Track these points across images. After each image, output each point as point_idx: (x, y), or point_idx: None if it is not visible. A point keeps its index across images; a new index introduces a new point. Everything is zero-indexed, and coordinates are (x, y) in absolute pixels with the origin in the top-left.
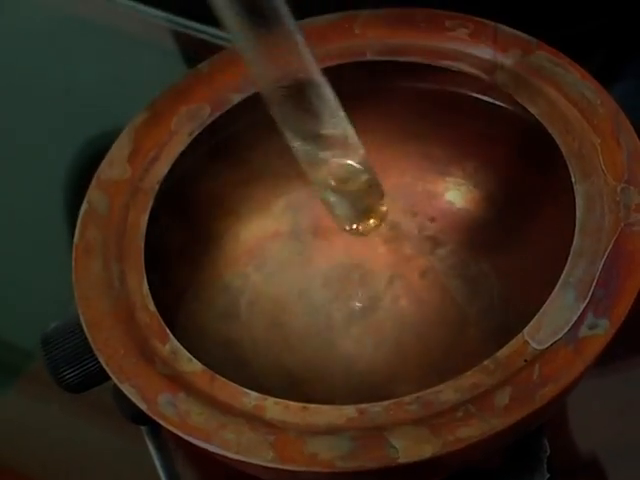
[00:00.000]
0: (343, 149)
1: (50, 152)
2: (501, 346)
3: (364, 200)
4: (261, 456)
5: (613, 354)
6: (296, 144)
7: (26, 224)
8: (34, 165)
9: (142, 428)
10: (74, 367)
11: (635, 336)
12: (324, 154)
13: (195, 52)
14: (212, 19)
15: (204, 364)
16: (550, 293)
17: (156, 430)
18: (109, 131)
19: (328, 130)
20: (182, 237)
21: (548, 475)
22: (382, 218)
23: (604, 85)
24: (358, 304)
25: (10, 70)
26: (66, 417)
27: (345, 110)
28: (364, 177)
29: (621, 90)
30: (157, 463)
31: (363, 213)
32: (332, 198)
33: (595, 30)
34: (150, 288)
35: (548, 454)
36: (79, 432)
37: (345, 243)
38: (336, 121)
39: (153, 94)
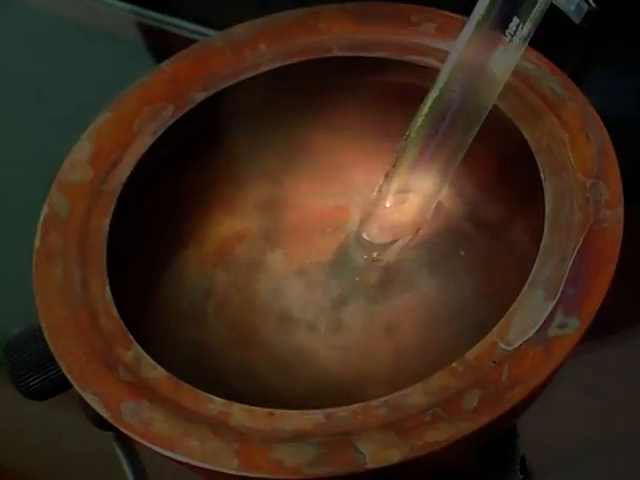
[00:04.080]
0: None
1: (35, 155)
2: (472, 345)
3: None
4: (226, 464)
5: (589, 348)
6: None
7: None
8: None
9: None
10: (36, 374)
11: (611, 329)
12: None
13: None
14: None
15: (170, 368)
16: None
17: (123, 435)
18: None
19: None
20: (147, 240)
21: (522, 476)
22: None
23: (586, 69)
24: (327, 305)
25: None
26: (58, 415)
27: (312, 108)
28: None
29: (603, 74)
30: (126, 468)
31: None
32: None
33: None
34: (113, 293)
35: (521, 455)
36: (71, 431)
37: (314, 242)
38: None
39: None
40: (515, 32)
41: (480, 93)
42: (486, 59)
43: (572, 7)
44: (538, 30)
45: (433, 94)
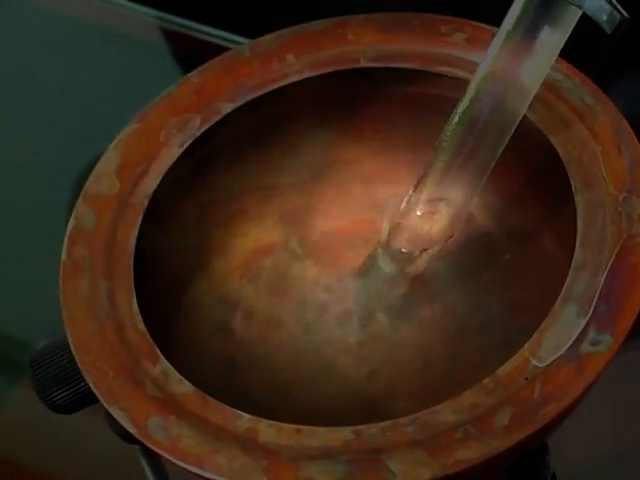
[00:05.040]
0: None
1: (58, 157)
2: (502, 361)
3: None
4: None
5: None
6: None
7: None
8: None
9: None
10: (63, 388)
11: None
12: None
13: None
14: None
15: (197, 383)
16: (552, 306)
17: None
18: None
19: None
20: (173, 252)
21: None
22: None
23: (613, 74)
24: (355, 318)
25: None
26: (84, 424)
27: (339, 119)
28: None
29: (631, 79)
30: None
31: None
32: None
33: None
34: (140, 306)
35: (552, 471)
36: (84, 430)
37: (342, 255)
38: None
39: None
40: (547, 41)
41: (510, 103)
42: (517, 69)
43: (604, 17)
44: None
45: (464, 104)
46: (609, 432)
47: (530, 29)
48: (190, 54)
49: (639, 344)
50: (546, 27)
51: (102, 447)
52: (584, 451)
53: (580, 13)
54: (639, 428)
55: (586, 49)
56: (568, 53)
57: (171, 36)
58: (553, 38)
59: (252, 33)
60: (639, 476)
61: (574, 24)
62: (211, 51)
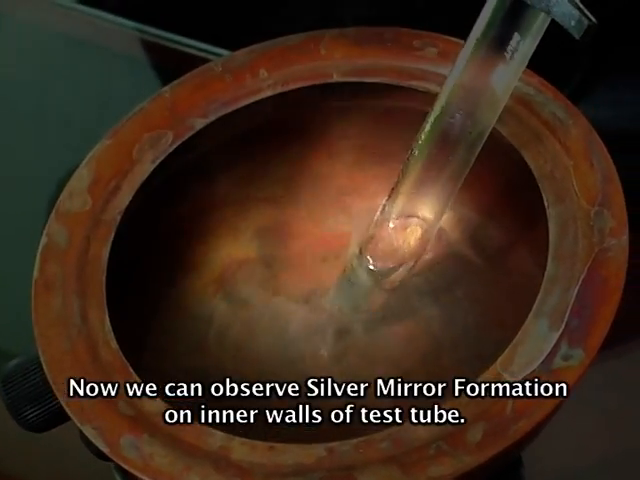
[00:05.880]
0: None
1: (39, 170)
2: (476, 376)
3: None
4: None
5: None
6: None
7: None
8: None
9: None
10: (35, 407)
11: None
12: None
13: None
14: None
15: (171, 400)
16: (524, 321)
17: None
18: None
19: None
20: (146, 269)
21: None
22: None
23: (594, 80)
24: (330, 332)
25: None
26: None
27: (312, 133)
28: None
29: (611, 85)
30: None
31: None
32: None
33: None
34: (112, 324)
35: None
36: (59, 447)
37: (315, 269)
38: None
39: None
40: (516, 49)
41: (482, 111)
42: (487, 77)
43: (572, 22)
44: (544, 40)
45: (435, 112)
46: (584, 445)
47: (499, 36)
48: (172, 66)
49: (615, 353)
50: (515, 34)
51: (77, 464)
52: (560, 464)
53: (549, 20)
54: (617, 440)
55: (566, 57)
56: (549, 60)
57: (152, 48)
58: (523, 45)
59: (234, 45)
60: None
61: (543, 31)
62: (193, 63)
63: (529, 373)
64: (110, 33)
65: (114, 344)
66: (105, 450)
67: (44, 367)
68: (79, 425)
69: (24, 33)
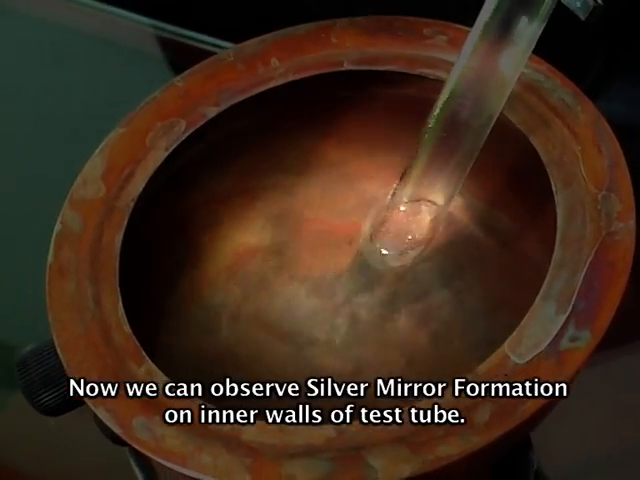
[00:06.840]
0: None
1: (49, 170)
2: (485, 359)
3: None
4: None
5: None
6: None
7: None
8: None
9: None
10: (50, 390)
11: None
12: None
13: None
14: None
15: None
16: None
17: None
18: None
19: None
20: (159, 255)
21: None
22: None
23: (609, 76)
24: (341, 318)
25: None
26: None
27: (323, 121)
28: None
29: (627, 81)
30: None
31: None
32: None
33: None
34: (126, 308)
35: (535, 468)
36: (74, 435)
37: (327, 256)
38: None
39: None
40: (524, 32)
41: (490, 94)
42: (495, 60)
43: (578, 4)
44: (560, 37)
45: (444, 96)
46: (597, 431)
47: (507, 20)
48: (184, 61)
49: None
50: (523, 17)
51: (92, 451)
52: (571, 450)
53: (555, 2)
54: (627, 427)
55: (582, 51)
56: (564, 58)
57: (167, 44)
58: (530, 27)
59: (246, 40)
60: (624, 473)
61: (550, 12)
62: (205, 58)
63: (536, 354)
64: (122, 28)
65: (127, 328)
66: (118, 431)
67: (58, 351)
68: (93, 407)
69: (36, 28)
